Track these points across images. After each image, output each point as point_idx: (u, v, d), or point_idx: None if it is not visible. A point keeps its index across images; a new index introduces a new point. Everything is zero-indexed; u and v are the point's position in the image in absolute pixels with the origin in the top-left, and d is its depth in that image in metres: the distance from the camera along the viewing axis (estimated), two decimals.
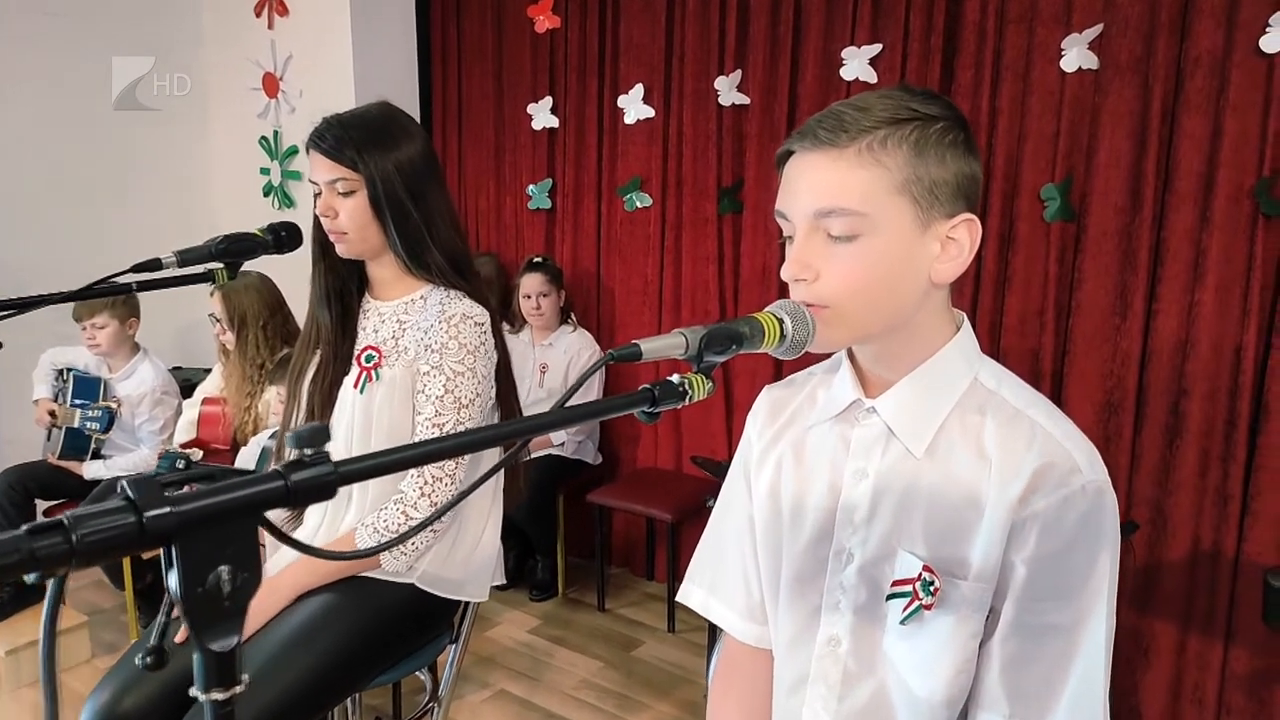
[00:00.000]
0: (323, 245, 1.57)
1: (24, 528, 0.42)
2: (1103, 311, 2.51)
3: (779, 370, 3.10)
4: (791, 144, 0.91)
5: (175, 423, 3.08)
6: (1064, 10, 2.49)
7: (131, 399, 3.10)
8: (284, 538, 0.55)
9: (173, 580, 0.47)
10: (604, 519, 3.41)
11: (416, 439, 1.51)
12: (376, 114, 1.52)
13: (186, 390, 3.27)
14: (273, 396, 2.74)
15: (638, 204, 3.43)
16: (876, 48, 2.82)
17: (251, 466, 2.33)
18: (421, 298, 1.56)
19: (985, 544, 0.87)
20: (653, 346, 0.71)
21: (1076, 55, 2.46)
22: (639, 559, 3.63)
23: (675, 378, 0.72)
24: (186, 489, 0.48)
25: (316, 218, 1.53)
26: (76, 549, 0.42)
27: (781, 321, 0.80)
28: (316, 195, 1.51)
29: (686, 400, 0.72)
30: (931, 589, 0.89)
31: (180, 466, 2.08)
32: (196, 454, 2.29)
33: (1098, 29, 2.43)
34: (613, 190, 3.52)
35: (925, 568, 0.90)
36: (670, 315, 3.40)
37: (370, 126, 1.48)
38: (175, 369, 3.91)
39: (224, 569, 0.48)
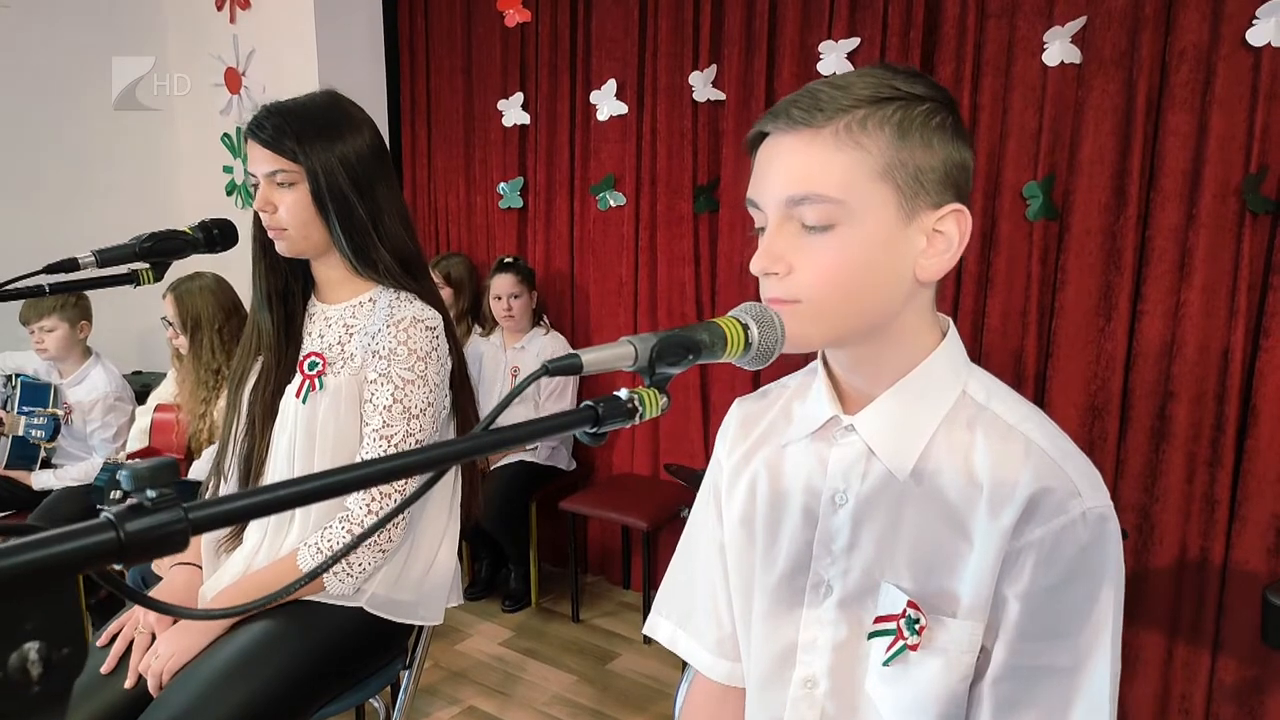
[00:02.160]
0: (263, 243, 1.46)
1: None
2: (1087, 312, 2.45)
3: (758, 372, 3.02)
4: (763, 125, 0.82)
5: (129, 430, 2.95)
6: (1046, 3, 2.42)
7: (83, 405, 2.98)
8: (135, 595, 0.45)
9: None
10: (578, 527, 3.31)
11: (363, 451, 1.40)
12: (321, 102, 1.41)
13: (145, 396, 3.14)
14: None
15: (611, 203, 3.34)
16: (854, 42, 2.74)
17: (200, 481, 2.21)
18: (370, 300, 1.46)
19: (976, 577, 0.78)
20: (595, 358, 0.62)
21: (1059, 49, 2.39)
22: (615, 567, 3.54)
23: (624, 393, 0.63)
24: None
25: (257, 214, 1.43)
26: None
27: (746, 328, 0.70)
28: (254, 187, 1.41)
29: (636, 419, 0.63)
30: (917, 628, 0.79)
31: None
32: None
33: (1081, 22, 2.36)
34: (586, 188, 3.42)
35: (910, 604, 0.80)
36: (646, 317, 3.31)
37: (313, 115, 1.38)
38: (135, 373, 3.78)
39: (32, 646, 0.38)
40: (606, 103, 3.28)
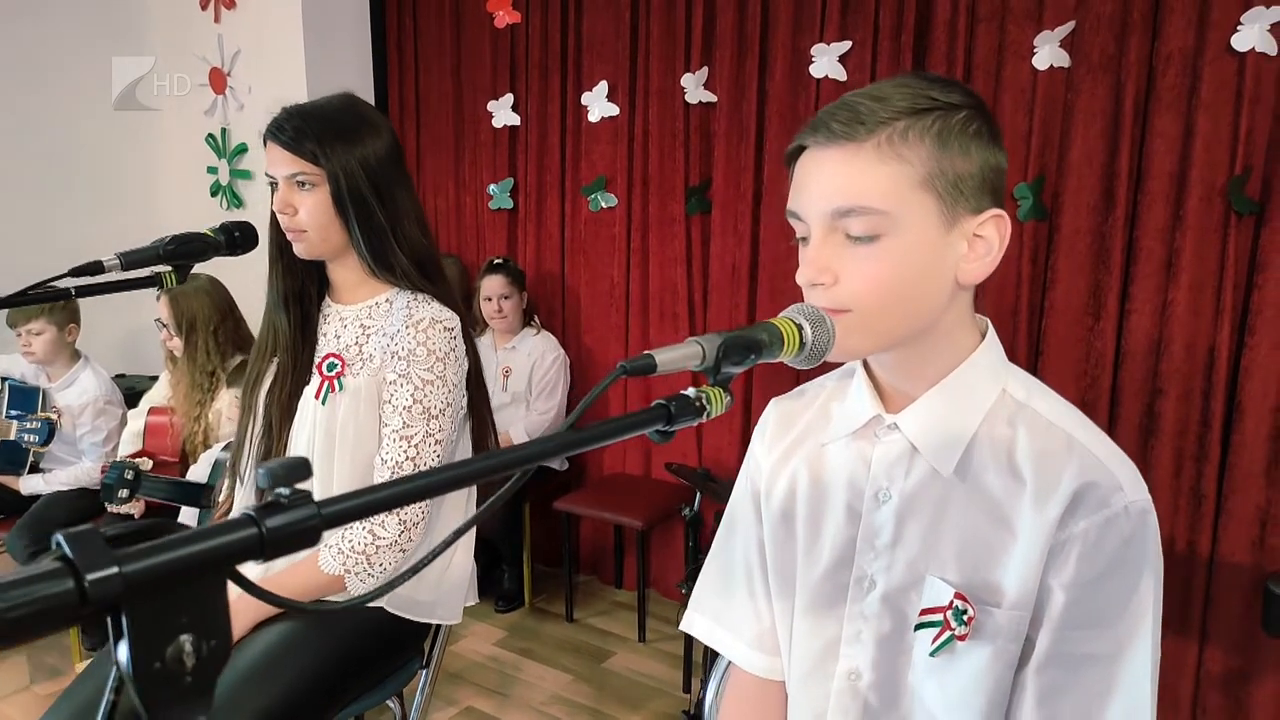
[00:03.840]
0: (280, 245, 1.46)
1: None
2: (1076, 311, 2.50)
3: (750, 372, 3.04)
4: (803, 139, 0.83)
5: (120, 434, 2.93)
6: (1036, 7, 2.47)
7: (72, 409, 2.94)
8: (263, 594, 0.46)
9: (122, 654, 0.38)
10: (571, 526, 3.32)
11: (383, 452, 1.41)
12: (340, 105, 1.42)
13: (132, 399, 3.12)
14: (225, 405, 2.61)
15: (602, 204, 3.35)
16: (846, 45, 2.77)
17: (204, 482, 2.20)
18: (387, 301, 1.46)
19: (1022, 569, 0.81)
20: (668, 358, 0.64)
21: (1048, 53, 2.44)
22: (607, 567, 3.55)
23: (691, 391, 0.64)
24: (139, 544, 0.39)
25: (274, 215, 1.43)
26: None
27: (801, 328, 0.72)
28: (272, 185, 1.41)
29: (704, 417, 0.65)
30: (965, 618, 0.82)
31: (129, 477, 1.93)
32: (146, 463, 2.16)
33: (1069, 26, 2.41)
34: (577, 190, 3.43)
35: (958, 595, 0.83)
36: (637, 318, 3.33)
37: (333, 119, 1.39)
38: (119, 376, 3.74)
39: (186, 638, 0.39)
40: (598, 104, 3.30)
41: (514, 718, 2.67)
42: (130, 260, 1.20)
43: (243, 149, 3.94)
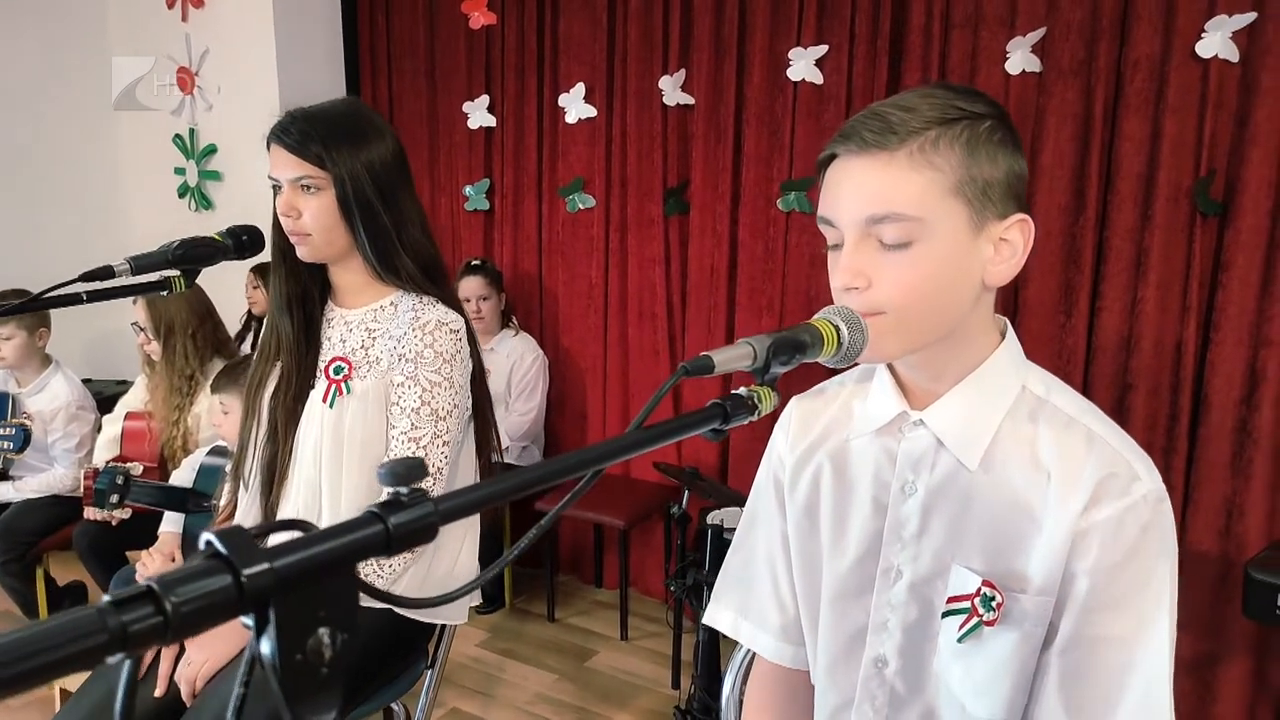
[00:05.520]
0: (282, 249, 1.46)
1: (106, 599, 0.35)
2: (1048, 309, 2.57)
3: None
4: (834, 147, 0.86)
5: (93, 439, 2.88)
6: (1008, 14, 2.53)
7: (43, 415, 2.89)
8: (376, 593, 0.48)
9: (266, 647, 0.40)
10: (551, 526, 3.33)
11: (391, 454, 1.42)
12: (345, 110, 1.42)
13: (100, 404, 3.07)
14: (205, 410, 2.58)
15: (580, 205, 3.37)
16: (823, 49, 2.82)
17: (189, 485, 2.18)
18: (391, 304, 1.47)
19: (1046, 557, 0.85)
20: (724, 358, 0.67)
21: (1020, 58, 2.51)
22: (586, 566, 3.57)
23: (743, 391, 0.67)
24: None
25: (276, 219, 1.43)
26: (172, 621, 0.35)
27: (838, 329, 0.75)
28: (276, 189, 1.41)
29: (756, 415, 0.68)
30: (994, 604, 0.86)
31: (120, 483, 1.93)
32: (137, 468, 2.12)
33: (1040, 32, 2.48)
34: (554, 191, 3.44)
35: (985, 583, 0.87)
36: (616, 318, 3.35)
37: (338, 122, 1.39)
38: (85, 381, 3.67)
39: (324, 631, 0.41)
40: (575, 106, 3.31)
41: (500, 718, 2.68)
42: (140, 265, 1.20)
43: (211, 150, 3.90)
